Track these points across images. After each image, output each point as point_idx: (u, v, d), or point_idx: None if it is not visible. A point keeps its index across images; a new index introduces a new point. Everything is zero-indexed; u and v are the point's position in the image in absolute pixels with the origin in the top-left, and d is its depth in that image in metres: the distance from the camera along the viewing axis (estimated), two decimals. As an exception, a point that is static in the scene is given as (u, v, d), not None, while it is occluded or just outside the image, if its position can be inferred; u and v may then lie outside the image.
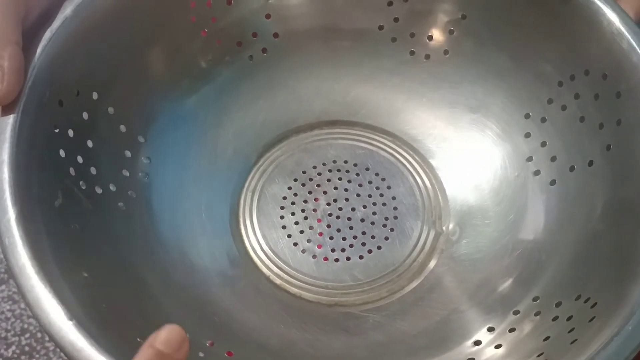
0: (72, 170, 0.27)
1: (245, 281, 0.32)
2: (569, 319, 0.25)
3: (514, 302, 0.29)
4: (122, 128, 0.31)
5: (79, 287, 0.23)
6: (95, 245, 0.27)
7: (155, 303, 0.27)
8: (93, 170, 0.29)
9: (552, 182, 0.32)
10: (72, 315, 0.21)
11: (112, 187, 0.30)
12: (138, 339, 0.23)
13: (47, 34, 0.27)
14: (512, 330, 0.28)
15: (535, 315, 0.27)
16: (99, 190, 0.29)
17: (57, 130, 0.27)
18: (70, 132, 0.28)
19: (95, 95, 0.30)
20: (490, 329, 0.28)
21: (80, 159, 0.28)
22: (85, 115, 0.29)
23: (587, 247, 0.28)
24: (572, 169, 0.31)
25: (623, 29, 0.29)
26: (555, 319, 0.26)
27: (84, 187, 0.28)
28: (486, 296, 0.30)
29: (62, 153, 0.27)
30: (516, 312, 0.28)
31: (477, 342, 0.28)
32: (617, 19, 0.29)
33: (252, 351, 0.28)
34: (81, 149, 0.28)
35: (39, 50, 0.27)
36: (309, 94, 0.37)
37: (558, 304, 0.27)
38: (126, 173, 0.31)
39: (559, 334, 0.25)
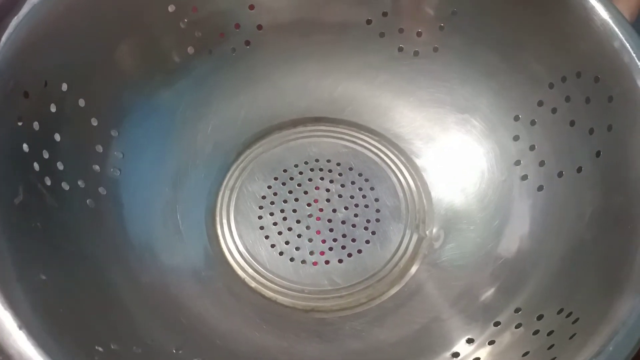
0: (36, 166, 0.26)
1: (219, 284, 0.30)
2: (549, 334, 0.24)
3: (496, 312, 0.28)
4: (94, 121, 0.30)
5: (34, 290, 0.22)
6: (58, 246, 0.25)
7: (121, 307, 0.26)
8: (60, 166, 0.28)
9: (540, 188, 0.31)
10: (23, 322, 0.20)
11: (80, 184, 0.29)
12: (97, 347, 0.22)
13: (13, 22, 0.26)
14: (491, 342, 0.26)
15: (516, 327, 0.26)
16: (65, 187, 0.28)
17: (20, 123, 0.26)
18: (36, 125, 0.27)
19: (64, 87, 0.28)
20: (470, 341, 0.27)
21: (45, 154, 0.27)
22: (53, 108, 0.28)
23: (573, 257, 0.26)
24: (560, 174, 0.30)
25: (616, 29, 0.27)
26: (535, 332, 0.25)
27: (49, 184, 0.27)
28: (468, 305, 0.29)
29: (25, 147, 0.26)
30: (497, 324, 0.27)
31: (456, 354, 0.27)
32: (611, 18, 0.27)
33: (223, 358, 0.27)
34: (47, 143, 0.27)
35: (3, 38, 0.25)
36: (293, 90, 0.36)
37: (540, 317, 0.25)
38: (97, 168, 0.30)
39: (539, 350, 0.23)
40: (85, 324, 0.23)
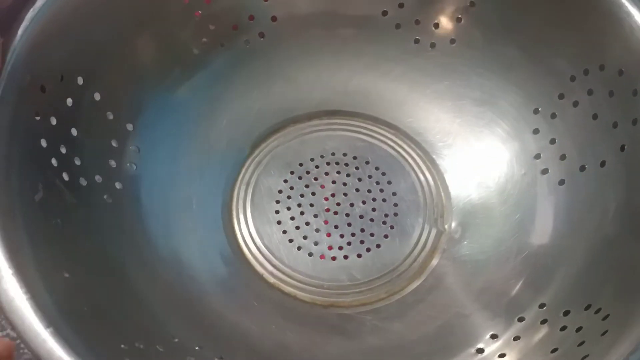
0: (54, 161, 0.26)
1: (238, 280, 0.30)
2: (578, 330, 0.24)
3: (519, 308, 0.27)
4: (110, 115, 0.30)
5: (58, 289, 0.21)
6: (78, 243, 0.25)
7: (141, 304, 0.26)
8: (77, 161, 0.27)
9: (561, 182, 0.30)
10: (50, 322, 0.20)
11: (97, 179, 0.28)
12: (122, 345, 0.22)
13: (29, 15, 0.25)
14: (516, 338, 0.26)
15: (542, 323, 0.26)
16: (83, 182, 0.27)
17: (38, 118, 0.25)
18: (53, 120, 0.26)
19: (80, 81, 0.28)
20: (494, 336, 0.27)
21: (63, 149, 0.26)
22: (69, 102, 0.27)
23: (597, 253, 0.26)
24: (582, 168, 0.29)
25: (643, 23, 0.27)
26: (563, 329, 0.25)
27: (67, 179, 0.26)
28: (490, 300, 0.29)
29: (43, 143, 0.25)
30: (521, 319, 0.27)
31: (480, 350, 0.27)
32: (637, 12, 0.27)
33: (244, 355, 0.27)
34: (64, 137, 0.27)
35: (19, 32, 0.25)
36: (308, 83, 0.35)
37: (566, 313, 0.25)
38: (113, 163, 0.29)
39: (569, 347, 0.23)
40: (109, 323, 0.23)
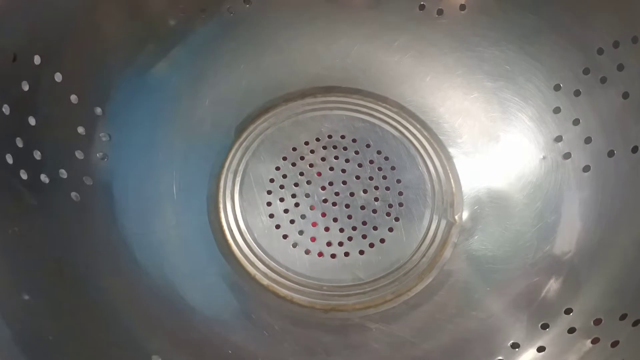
0: (9, 158, 0.22)
1: (227, 283, 0.27)
2: (614, 344, 0.21)
3: (542, 312, 0.25)
4: (74, 99, 0.26)
5: (19, 317, 0.18)
6: (40, 254, 0.22)
7: (118, 321, 0.23)
8: (37, 155, 0.24)
9: (586, 168, 0.27)
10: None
11: (62, 174, 0.25)
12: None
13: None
14: (541, 349, 0.24)
15: (569, 332, 0.23)
16: (45, 180, 0.24)
17: (-13, 108, 0.22)
18: (6, 109, 0.23)
19: (37, 60, 0.24)
20: (515, 345, 0.25)
21: (19, 142, 0.23)
22: (25, 86, 0.24)
23: (633, 252, 0.24)
24: (611, 154, 0.26)
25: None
26: (595, 341, 0.22)
27: (25, 178, 0.23)
28: (508, 303, 0.26)
29: (-6, 137, 0.22)
30: (545, 326, 0.24)
31: (500, 362, 0.24)
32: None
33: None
34: (20, 128, 0.23)
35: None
36: (301, 56, 0.32)
37: (597, 322, 0.23)
38: (80, 155, 0.26)
39: (607, 366, 0.21)
40: (80, 350, 0.20)
